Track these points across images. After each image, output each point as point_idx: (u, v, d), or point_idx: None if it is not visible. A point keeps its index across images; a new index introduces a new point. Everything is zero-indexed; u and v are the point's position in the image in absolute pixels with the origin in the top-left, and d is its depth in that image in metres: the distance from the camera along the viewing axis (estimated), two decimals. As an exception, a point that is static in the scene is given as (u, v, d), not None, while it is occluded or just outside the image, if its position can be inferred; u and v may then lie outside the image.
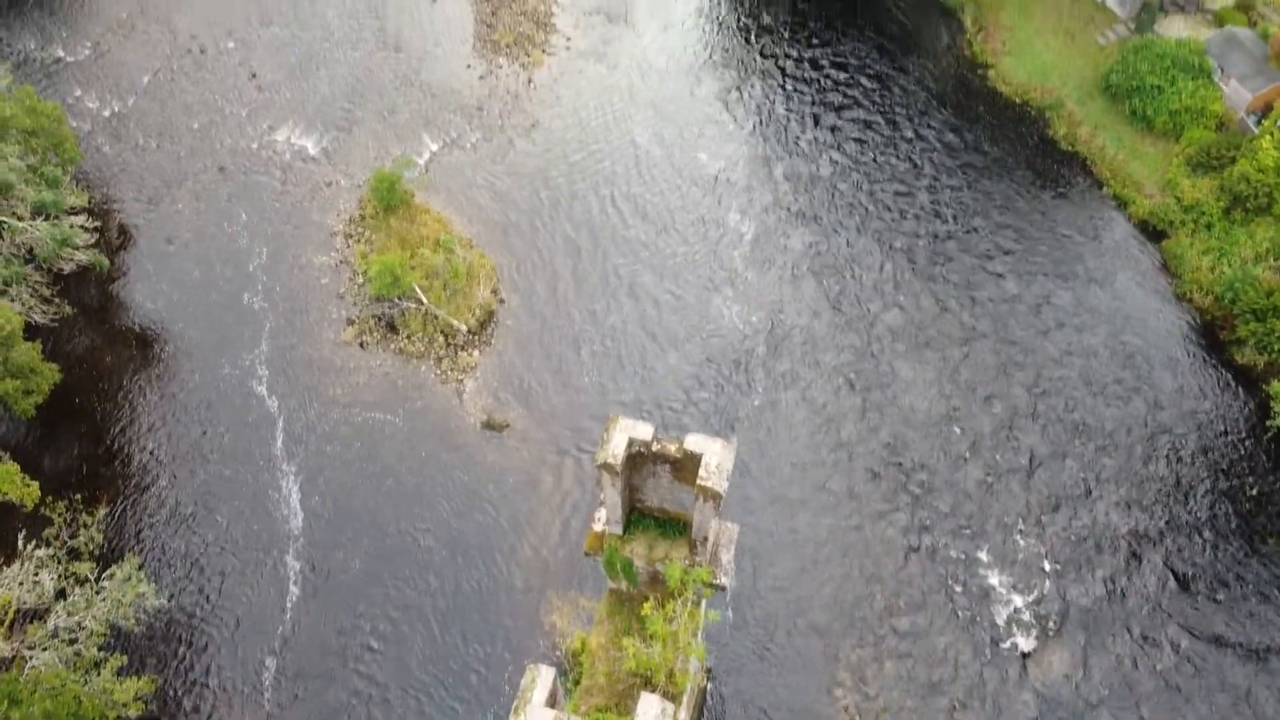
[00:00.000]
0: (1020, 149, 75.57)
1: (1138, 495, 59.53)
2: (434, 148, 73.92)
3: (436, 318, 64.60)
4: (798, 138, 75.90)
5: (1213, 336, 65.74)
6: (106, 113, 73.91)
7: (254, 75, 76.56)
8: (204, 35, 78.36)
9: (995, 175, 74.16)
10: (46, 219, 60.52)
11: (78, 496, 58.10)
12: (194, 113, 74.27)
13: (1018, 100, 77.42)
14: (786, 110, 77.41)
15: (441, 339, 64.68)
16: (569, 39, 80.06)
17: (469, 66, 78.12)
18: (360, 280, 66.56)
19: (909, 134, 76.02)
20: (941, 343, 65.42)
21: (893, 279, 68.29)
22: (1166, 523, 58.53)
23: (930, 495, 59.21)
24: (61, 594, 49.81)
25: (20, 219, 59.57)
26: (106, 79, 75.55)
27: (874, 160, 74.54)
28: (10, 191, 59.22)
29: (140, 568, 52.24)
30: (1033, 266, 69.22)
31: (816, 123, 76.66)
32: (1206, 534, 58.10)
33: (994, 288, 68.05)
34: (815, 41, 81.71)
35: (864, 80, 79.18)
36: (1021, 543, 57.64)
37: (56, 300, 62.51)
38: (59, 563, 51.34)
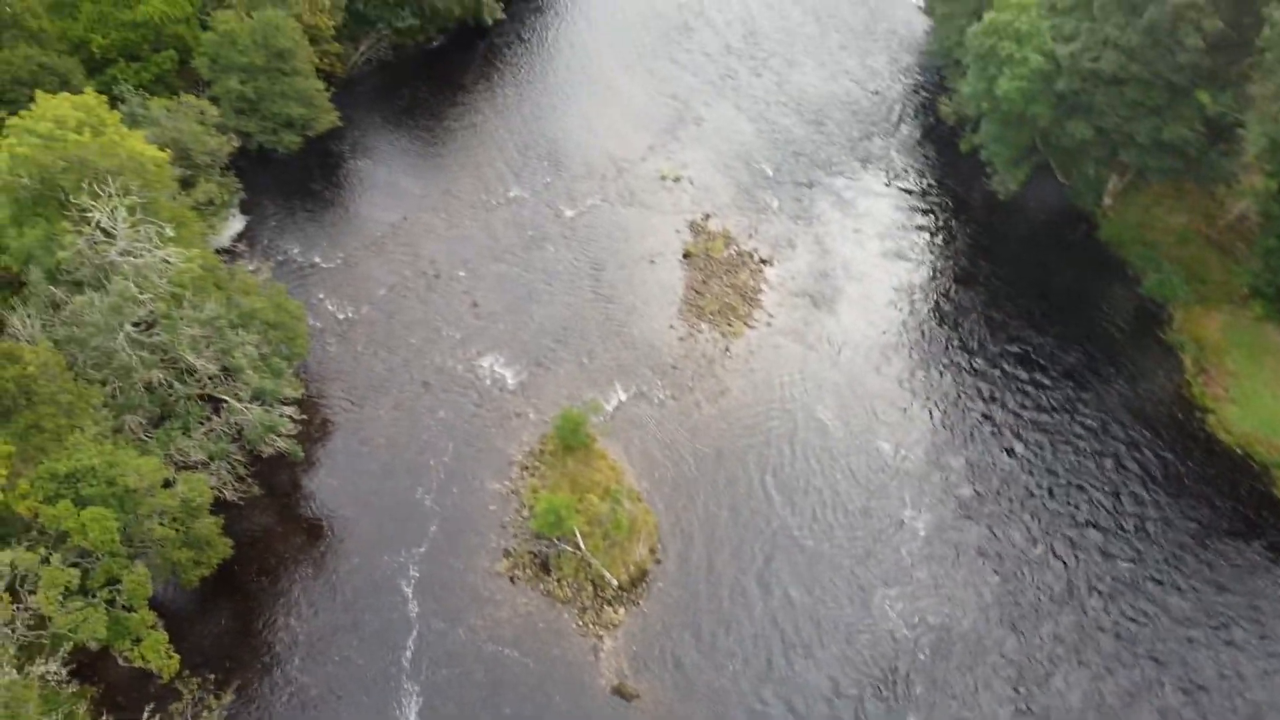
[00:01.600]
0: (1231, 497, 69.95)
1: None
2: (623, 397, 75.94)
3: (590, 566, 63.81)
4: (979, 427, 73.89)
5: None
6: (340, 316, 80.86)
7: (475, 304, 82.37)
8: (441, 261, 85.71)
9: (1196, 511, 69.11)
10: (262, 404, 65.22)
11: (212, 676, 58.83)
12: (414, 329, 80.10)
13: (1238, 450, 72.33)
14: (970, 398, 75.88)
15: (590, 589, 63.53)
16: (771, 316, 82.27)
17: (671, 327, 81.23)
18: (525, 513, 67.29)
19: (1102, 444, 72.72)
20: (1116, 667, 60.65)
21: (1068, 588, 64.42)
22: None
23: None
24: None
25: (240, 400, 64.52)
26: (348, 287, 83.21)
27: (1059, 461, 71.70)
28: (239, 375, 64.58)
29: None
30: (1227, 612, 63.36)
31: (1001, 415, 74.69)
32: None
33: (1177, 621, 62.96)
34: (1011, 334, 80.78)
35: (1059, 382, 77.08)
36: None
37: (249, 480, 66.21)
38: (175, 741, 51.38)
